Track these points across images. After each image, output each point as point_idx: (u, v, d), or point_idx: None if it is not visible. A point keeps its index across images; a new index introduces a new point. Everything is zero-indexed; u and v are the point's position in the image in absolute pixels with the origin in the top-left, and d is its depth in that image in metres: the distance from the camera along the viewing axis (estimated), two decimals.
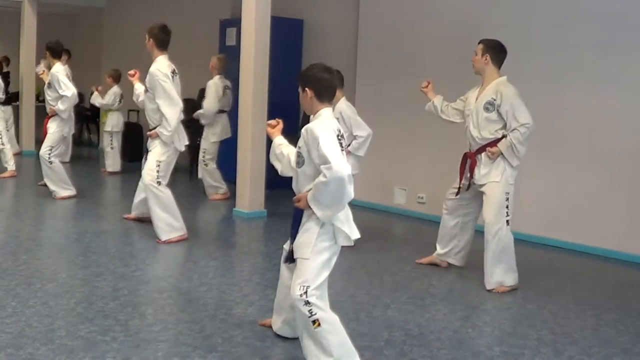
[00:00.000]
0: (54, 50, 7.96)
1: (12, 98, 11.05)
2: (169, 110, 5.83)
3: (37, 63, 11.27)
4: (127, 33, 11.52)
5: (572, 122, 6.31)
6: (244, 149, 7.16)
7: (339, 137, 3.27)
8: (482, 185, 5.02)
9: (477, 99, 5.06)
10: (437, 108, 5.47)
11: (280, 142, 3.69)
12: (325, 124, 3.26)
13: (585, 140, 6.24)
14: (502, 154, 4.90)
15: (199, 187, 8.32)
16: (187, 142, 6.13)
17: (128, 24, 11.74)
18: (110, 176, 9.70)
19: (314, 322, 3.21)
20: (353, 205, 3.31)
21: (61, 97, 7.54)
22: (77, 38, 13.51)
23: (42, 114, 8.47)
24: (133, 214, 6.63)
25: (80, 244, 5.84)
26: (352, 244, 3.37)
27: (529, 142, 4.94)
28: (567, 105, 6.34)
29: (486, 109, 4.95)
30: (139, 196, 6.45)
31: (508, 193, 4.93)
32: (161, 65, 5.89)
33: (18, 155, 10.65)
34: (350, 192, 3.15)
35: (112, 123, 9.72)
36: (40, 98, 11.42)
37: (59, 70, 7.69)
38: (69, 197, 7.73)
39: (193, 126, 7.86)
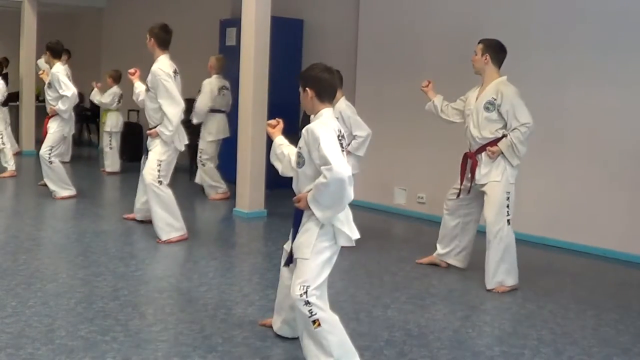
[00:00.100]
0: (54, 50, 7.97)
1: (9, 99, 11.04)
2: (171, 110, 5.83)
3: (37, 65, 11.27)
4: (127, 33, 11.52)
5: (572, 122, 6.31)
6: (244, 149, 7.16)
7: (340, 138, 3.27)
8: (482, 185, 5.02)
9: (477, 98, 5.06)
10: (437, 108, 5.47)
11: (281, 142, 3.68)
12: (326, 125, 3.26)
13: (585, 140, 6.24)
14: (502, 153, 4.91)
15: (198, 187, 8.32)
16: (186, 142, 6.13)
17: (128, 24, 11.74)
18: (110, 176, 9.70)
19: (314, 322, 3.21)
20: (353, 205, 3.30)
21: (62, 97, 7.54)
22: (77, 38, 13.51)
23: (42, 114, 8.47)
24: (138, 217, 6.57)
25: (80, 244, 5.84)
26: (353, 245, 3.37)
27: (529, 141, 4.95)
28: (567, 105, 6.34)
29: (486, 109, 4.95)
30: (141, 199, 6.41)
31: (509, 192, 4.93)
32: (163, 64, 5.89)
33: (18, 155, 10.65)
34: (350, 194, 3.15)
35: (111, 123, 9.71)
36: (40, 98, 11.42)
37: (60, 70, 7.70)
38: (69, 197, 7.73)
39: (193, 126, 7.86)
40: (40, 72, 8.73)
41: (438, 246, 5.50)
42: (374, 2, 8.01)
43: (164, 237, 5.89)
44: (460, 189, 5.22)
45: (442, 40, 7.27)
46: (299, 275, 3.27)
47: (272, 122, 3.78)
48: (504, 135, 4.92)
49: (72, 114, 7.90)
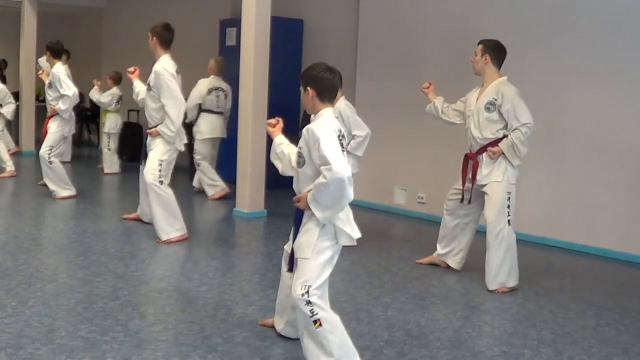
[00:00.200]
0: (54, 50, 7.97)
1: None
2: (174, 111, 5.83)
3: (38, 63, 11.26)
4: (127, 33, 11.52)
5: (572, 122, 6.31)
6: (244, 149, 7.16)
7: (340, 138, 3.27)
8: (483, 186, 5.02)
9: (477, 99, 5.06)
10: (438, 109, 5.46)
11: (281, 142, 3.68)
12: (326, 125, 3.25)
13: (585, 140, 6.24)
14: (503, 153, 4.91)
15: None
16: (185, 141, 6.13)
17: (128, 24, 11.74)
18: (110, 176, 9.69)
19: (315, 322, 3.20)
20: (353, 205, 3.30)
21: (62, 96, 7.54)
22: (77, 38, 13.50)
23: (42, 114, 8.46)
24: (145, 219, 6.52)
25: (80, 244, 5.84)
26: (355, 244, 3.37)
27: (529, 141, 4.95)
28: (567, 105, 6.34)
29: (487, 109, 4.95)
30: (145, 200, 6.33)
31: (509, 193, 4.92)
32: (166, 64, 5.89)
33: (17, 154, 10.65)
34: (350, 194, 3.15)
35: (110, 125, 9.70)
36: (40, 98, 11.43)
37: (60, 69, 7.69)
38: (69, 197, 7.73)
39: (190, 126, 7.87)
40: (40, 72, 8.73)
41: (438, 246, 5.50)
42: (374, 2, 8.01)
43: (164, 237, 5.88)
44: (462, 193, 5.20)
45: (442, 40, 7.27)
46: (300, 275, 3.27)
47: (272, 121, 3.77)
48: (505, 136, 4.92)
49: (73, 114, 7.90)
